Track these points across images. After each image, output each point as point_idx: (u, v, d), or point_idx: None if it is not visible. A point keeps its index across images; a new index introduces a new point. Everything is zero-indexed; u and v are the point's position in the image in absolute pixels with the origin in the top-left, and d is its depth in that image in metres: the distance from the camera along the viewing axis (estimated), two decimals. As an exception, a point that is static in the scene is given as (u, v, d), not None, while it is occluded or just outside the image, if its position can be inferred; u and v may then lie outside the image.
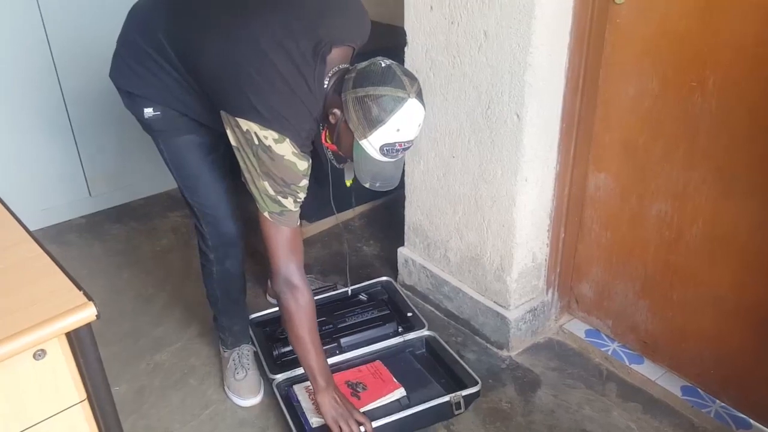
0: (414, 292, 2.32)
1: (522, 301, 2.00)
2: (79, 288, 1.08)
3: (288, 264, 1.58)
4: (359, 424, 1.68)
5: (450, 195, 2.04)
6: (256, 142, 1.43)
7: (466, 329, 2.14)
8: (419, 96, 1.42)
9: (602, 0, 1.64)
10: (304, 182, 1.51)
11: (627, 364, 1.93)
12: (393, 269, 2.43)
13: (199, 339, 2.16)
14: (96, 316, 1.03)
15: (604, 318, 2.00)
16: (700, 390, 1.82)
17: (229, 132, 1.47)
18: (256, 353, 2.02)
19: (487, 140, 1.84)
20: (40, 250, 1.20)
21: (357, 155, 1.46)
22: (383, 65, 1.41)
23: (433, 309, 2.25)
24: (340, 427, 1.67)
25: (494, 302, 2.02)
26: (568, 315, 2.13)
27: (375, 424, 1.71)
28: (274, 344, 2.01)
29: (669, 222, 1.72)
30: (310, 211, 2.70)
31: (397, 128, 1.39)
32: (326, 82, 1.48)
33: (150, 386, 1.98)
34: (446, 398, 1.79)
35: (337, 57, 1.49)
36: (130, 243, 2.75)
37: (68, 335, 1.00)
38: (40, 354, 0.98)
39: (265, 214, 1.52)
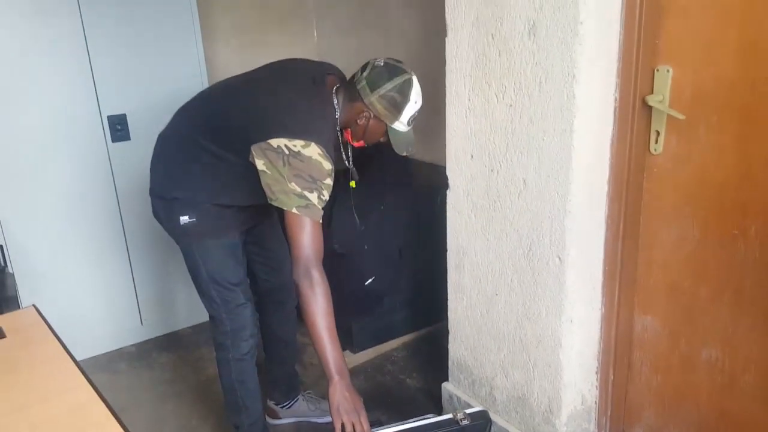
0: (459, 430, 2.27)
1: (572, 445, 1.94)
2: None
3: (310, 254, 1.69)
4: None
5: (494, 332, 2.04)
6: (287, 152, 1.66)
7: (515, 473, 2.06)
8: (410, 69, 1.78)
9: (639, 150, 1.69)
10: (329, 180, 1.71)
11: None
12: (437, 405, 2.39)
13: (241, 478, 2.13)
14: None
15: (660, 465, 1.91)
16: None
17: (259, 160, 1.70)
18: None
19: (530, 280, 1.86)
20: (95, 395, 1.25)
21: (392, 136, 1.80)
22: (382, 63, 1.76)
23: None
24: (343, 421, 1.65)
25: (543, 446, 1.96)
26: (621, 460, 2.04)
27: None
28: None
29: (720, 367, 1.68)
30: (356, 339, 2.73)
31: (415, 100, 1.76)
32: (335, 99, 1.82)
33: None
34: (450, 415, 1.72)
35: (330, 82, 1.85)
36: (177, 372, 2.78)
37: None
38: None
39: (293, 210, 1.67)
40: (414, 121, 1.80)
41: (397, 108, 1.75)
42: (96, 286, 2.86)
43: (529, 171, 1.75)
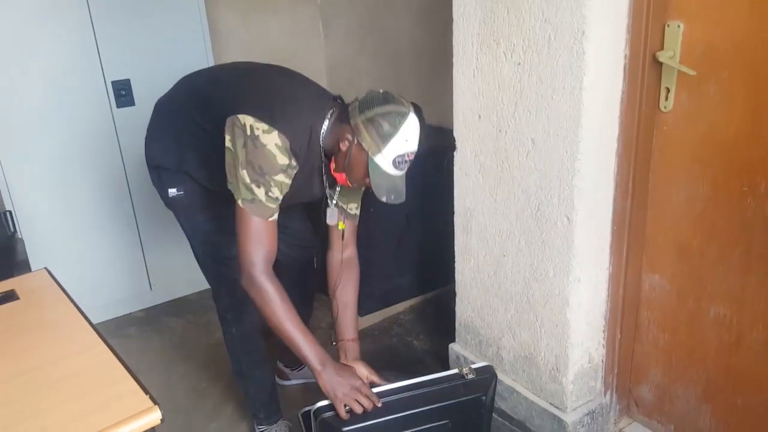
0: (467, 390, 2.29)
1: (579, 403, 1.96)
2: (146, 392, 1.14)
3: (252, 257, 1.61)
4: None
5: (501, 293, 2.05)
6: (248, 133, 1.57)
7: (521, 431, 2.09)
8: (415, 111, 1.59)
9: (648, 108, 1.68)
10: (281, 177, 1.60)
11: (692, 471, 1.85)
12: (444, 365, 2.42)
13: (253, 437, 2.17)
14: (161, 420, 1.08)
15: (666, 422, 1.94)
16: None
17: (227, 135, 1.61)
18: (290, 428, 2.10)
19: (538, 241, 1.86)
20: (110, 354, 1.27)
21: (372, 172, 1.58)
22: (381, 91, 1.61)
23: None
24: (346, 403, 1.61)
25: (550, 403, 1.98)
26: (627, 418, 2.06)
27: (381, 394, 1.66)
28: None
29: (728, 325, 1.69)
30: (363, 302, 2.75)
31: (406, 138, 1.55)
32: (328, 116, 1.67)
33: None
34: (455, 370, 1.75)
35: (333, 104, 1.72)
36: (186, 336, 2.82)
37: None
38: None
39: (239, 202, 1.60)
40: (403, 166, 1.59)
41: (381, 137, 1.54)
42: (104, 252, 2.87)
43: (538, 130, 1.74)
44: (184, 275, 3.08)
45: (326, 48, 3.66)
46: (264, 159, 1.57)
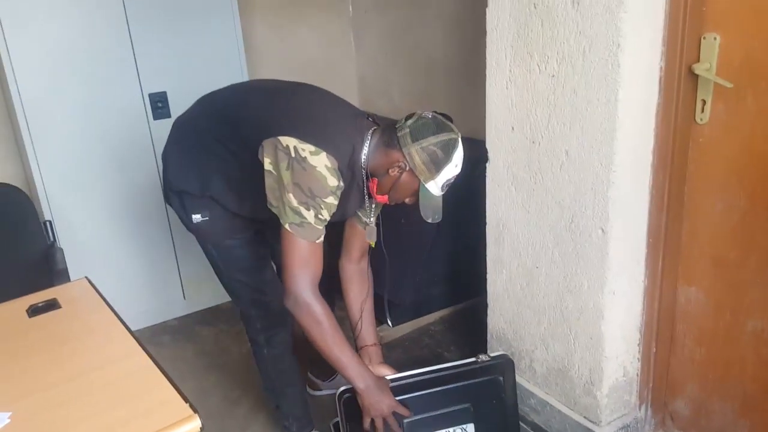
0: (498, 402, 2.28)
1: (614, 417, 1.94)
2: (186, 400, 1.16)
3: (299, 279, 1.61)
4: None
5: (534, 305, 2.04)
6: (293, 154, 1.55)
7: (555, 444, 2.08)
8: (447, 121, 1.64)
9: (684, 120, 1.67)
10: (331, 199, 1.59)
11: (730, 488, 1.82)
12: (476, 377, 2.41)
13: (285, 446, 2.19)
14: (200, 429, 1.10)
15: (703, 437, 1.91)
16: None
17: (266, 158, 1.60)
18: None
19: (572, 253, 1.85)
20: (150, 362, 1.30)
21: (423, 196, 1.63)
22: (430, 116, 1.62)
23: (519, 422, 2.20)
24: (373, 417, 1.74)
25: (584, 417, 1.96)
26: (662, 433, 2.04)
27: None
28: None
29: (766, 339, 1.66)
30: (393, 313, 2.75)
31: (456, 164, 1.61)
32: (368, 137, 1.67)
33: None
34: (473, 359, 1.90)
35: (369, 123, 1.74)
36: (218, 345, 2.85)
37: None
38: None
39: (286, 226, 1.58)
40: (448, 188, 1.64)
41: (436, 165, 1.58)
42: (139, 262, 2.93)
43: (572, 142, 1.74)
44: (217, 284, 3.10)
45: (358, 59, 3.69)
46: (314, 181, 1.56)
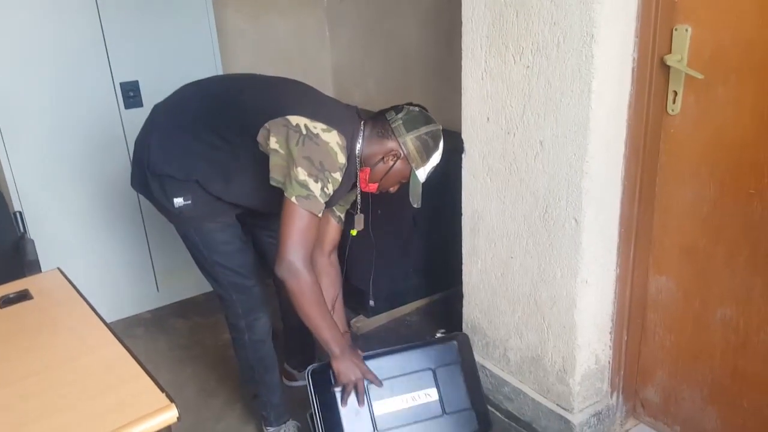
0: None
1: (586, 404, 1.97)
2: (162, 390, 1.15)
3: (296, 249, 1.65)
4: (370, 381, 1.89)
5: (508, 294, 2.06)
6: (305, 132, 1.62)
7: (528, 432, 2.11)
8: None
9: (656, 111, 1.70)
10: (338, 175, 1.65)
11: (699, 472, 1.86)
12: (451, 367, 2.43)
13: (261, 437, 2.19)
14: (177, 417, 1.10)
15: (672, 423, 1.95)
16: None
17: (273, 137, 1.64)
18: (299, 428, 2.14)
19: (546, 243, 1.87)
20: (125, 352, 1.29)
21: (413, 182, 1.77)
22: (418, 110, 1.78)
23: (493, 410, 2.22)
24: (345, 383, 1.85)
25: (557, 405, 1.99)
26: (633, 419, 2.07)
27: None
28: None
29: (735, 327, 1.70)
30: (368, 304, 2.76)
31: (440, 151, 1.78)
32: (361, 128, 1.77)
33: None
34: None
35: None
36: (193, 337, 2.83)
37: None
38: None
39: (292, 198, 1.61)
40: (429, 173, 1.80)
41: (427, 153, 1.75)
42: (111, 253, 2.89)
43: (546, 133, 1.75)
44: (192, 277, 3.06)
45: (332, 50, 3.68)
46: (326, 156, 1.63)
